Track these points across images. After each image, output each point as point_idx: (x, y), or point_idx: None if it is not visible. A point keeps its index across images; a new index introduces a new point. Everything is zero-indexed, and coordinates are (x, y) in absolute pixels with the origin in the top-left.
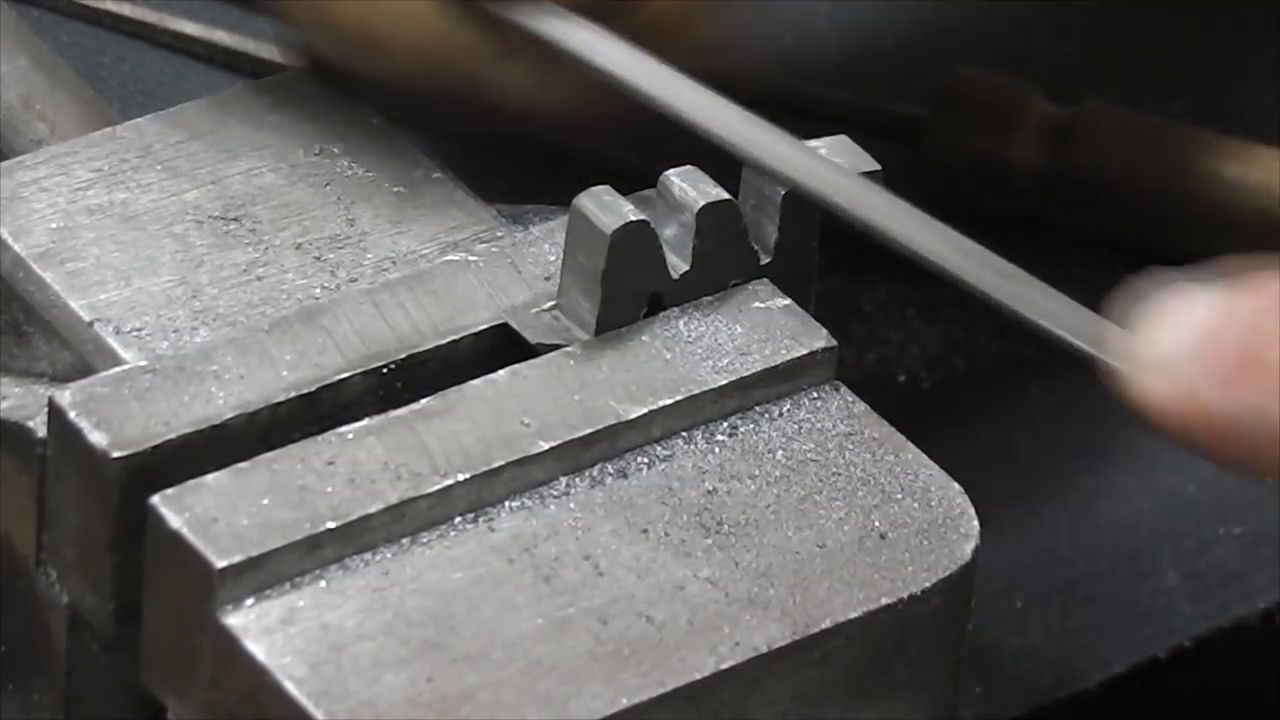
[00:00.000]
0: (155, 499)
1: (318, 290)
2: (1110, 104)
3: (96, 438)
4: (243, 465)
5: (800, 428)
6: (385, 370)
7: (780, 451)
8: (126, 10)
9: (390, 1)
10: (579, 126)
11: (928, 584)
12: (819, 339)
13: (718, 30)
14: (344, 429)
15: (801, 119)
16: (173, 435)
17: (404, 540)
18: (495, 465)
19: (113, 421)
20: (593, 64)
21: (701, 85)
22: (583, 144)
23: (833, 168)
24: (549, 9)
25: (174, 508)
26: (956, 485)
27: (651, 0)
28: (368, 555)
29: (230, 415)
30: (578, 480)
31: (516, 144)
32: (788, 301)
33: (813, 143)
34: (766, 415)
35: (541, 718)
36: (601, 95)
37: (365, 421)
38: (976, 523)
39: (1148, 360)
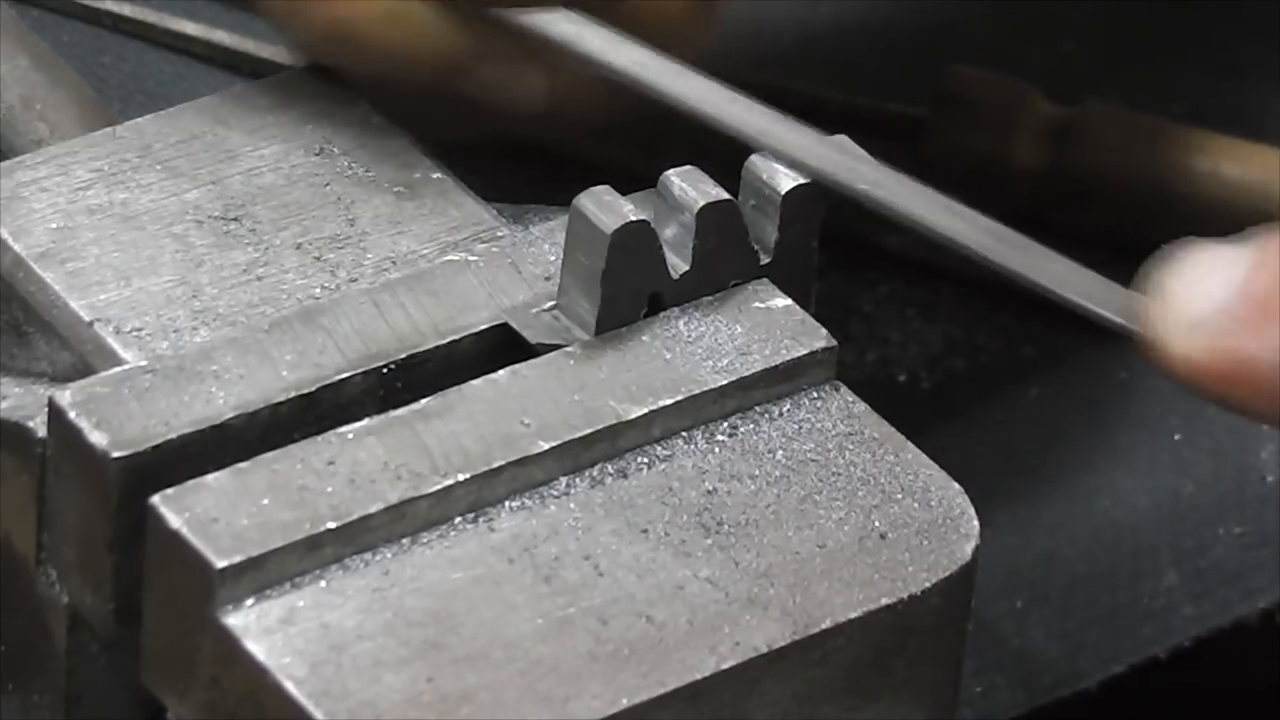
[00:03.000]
0: (155, 499)
1: (318, 290)
2: (1110, 104)
3: (96, 438)
4: (243, 465)
5: (800, 428)
6: (385, 370)
7: (780, 451)
8: (126, 10)
9: (374, 1)
10: (572, 125)
11: (928, 584)
12: (819, 339)
13: (718, 30)
14: (344, 429)
15: (801, 119)
16: (173, 435)
17: (404, 540)
18: (495, 465)
19: (113, 421)
20: (601, 62)
21: (707, 75)
22: (576, 143)
23: (845, 153)
24: (553, 10)
25: (174, 508)
26: (956, 485)
27: (659, 1)
28: (368, 555)
29: (230, 415)
30: (578, 480)
31: (513, 144)
32: (788, 301)
33: None
34: (766, 415)
35: (541, 718)
36: (594, 93)
37: (365, 421)
38: (976, 523)
39: (1180, 320)
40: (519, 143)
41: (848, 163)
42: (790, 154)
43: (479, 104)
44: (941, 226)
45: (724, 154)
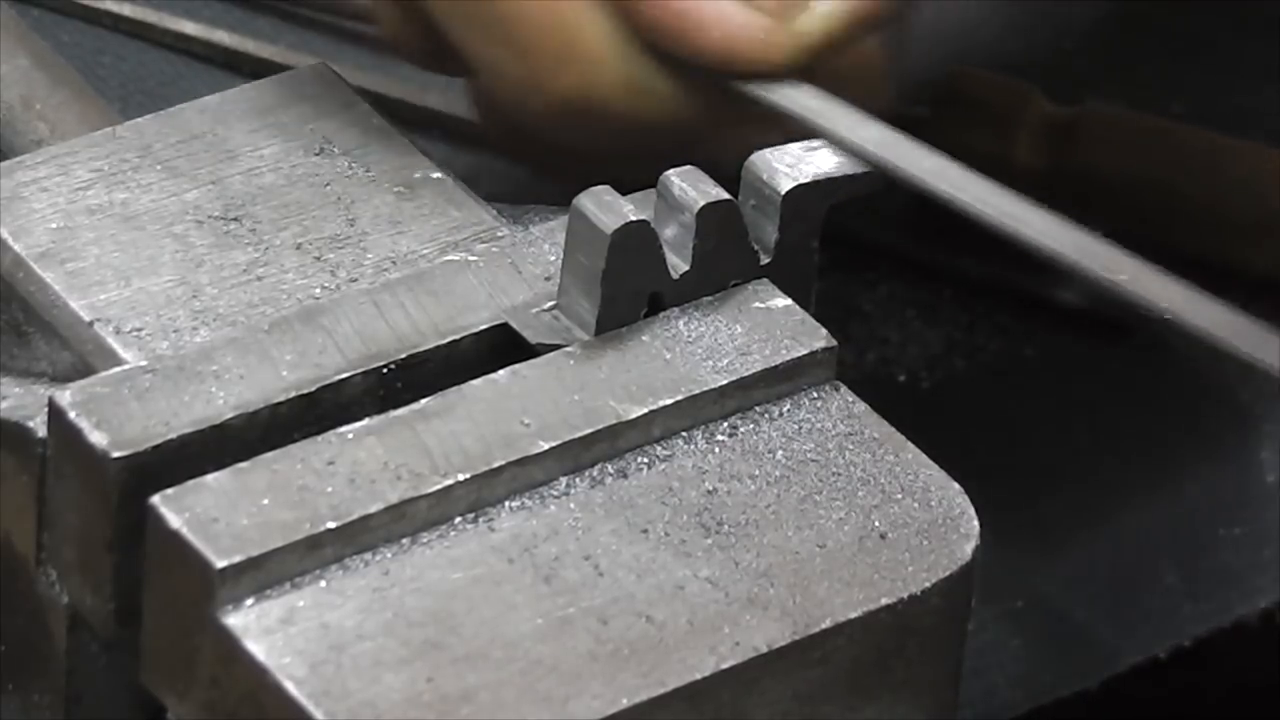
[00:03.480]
0: (155, 499)
1: (318, 290)
2: (1110, 104)
3: (96, 438)
4: (243, 465)
5: (800, 428)
6: (385, 370)
7: (780, 451)
8: (126, 10)
9: (617, 70)
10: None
11: (928, 584)
12: (819, 339)
13: (904, 79)
14: (344, 429)
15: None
16: (173, 435)
17: (404, 540)
18: (495, 465)
19: (113, 421)
20: (841, 138)
21: (946, 156)
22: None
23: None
24: (792, 83)
25: (174, 508)
26: (956, 485)
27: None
28: (368, 555)
29: (230, 415)
30: (578, 480)
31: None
32: (788, 301)
33: (815, 142)
34: (766, 415)
35: (541, 718)
36: None
37: (365, 421)
38: (976, 523)
39: None
40: None
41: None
42: (1049, 248)
43: (719, 169)
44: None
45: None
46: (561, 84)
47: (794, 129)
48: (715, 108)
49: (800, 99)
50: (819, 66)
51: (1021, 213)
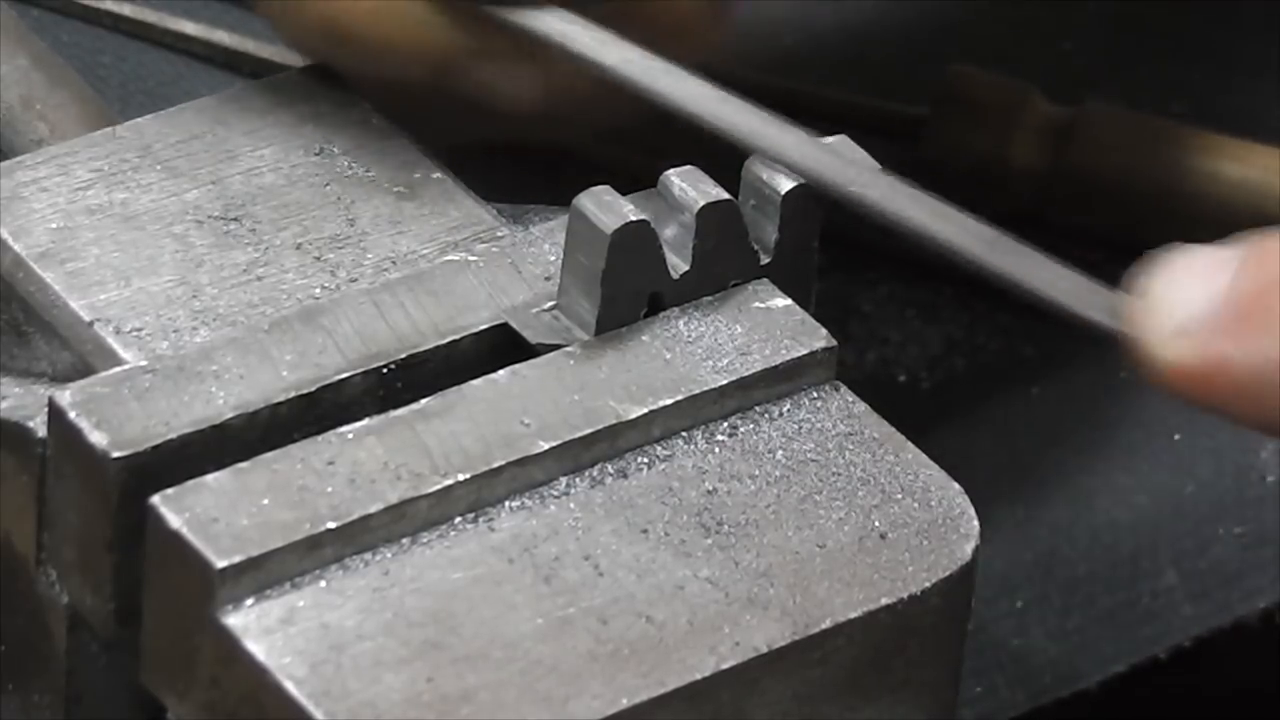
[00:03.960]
0: (155, 499)
1: (318, 290)
2: (1110, 104)
3: (96, 438)
4: (243, 465)
5: (800, 428)
6: (385, 370)
7: (780, 451)
8: (126, 10)
9: (375, 1)
10: (561, 124)
11: (928, 584)
12: (819, 339)
13: (732, 30)
14: (344, 429)
15: (802, 119)
16: (173, 435)
17: (404, 540)
18: (495, 465)
19: (113, 421)
20: (593, 61)
21: (710, 81)
22: (571, 142)
23: (840, 157)
24: (543, 8)
25: (174, 508)
26: (956, 485)
27: (677, 1)
28: (368, 555)
29: (230, 415)
30: (578, 480)
31: (514, 145)
32: (788, 301)
33: None
34: (766, 415)
35: (541, 718)
36: (587, 93)
37: (365, 421)
38: (976, 523)
39: (1165, 324)
40: (520, 144)
41: (838, 165)
42: (782, 156)
43: (477, 103)
44: (934, 232)
45: (725, 154)
46: (314, 11)
47: (551, 56)
48: (468, 35)
49: (549, 21)
50: (628, 16)
51: (756, 122)
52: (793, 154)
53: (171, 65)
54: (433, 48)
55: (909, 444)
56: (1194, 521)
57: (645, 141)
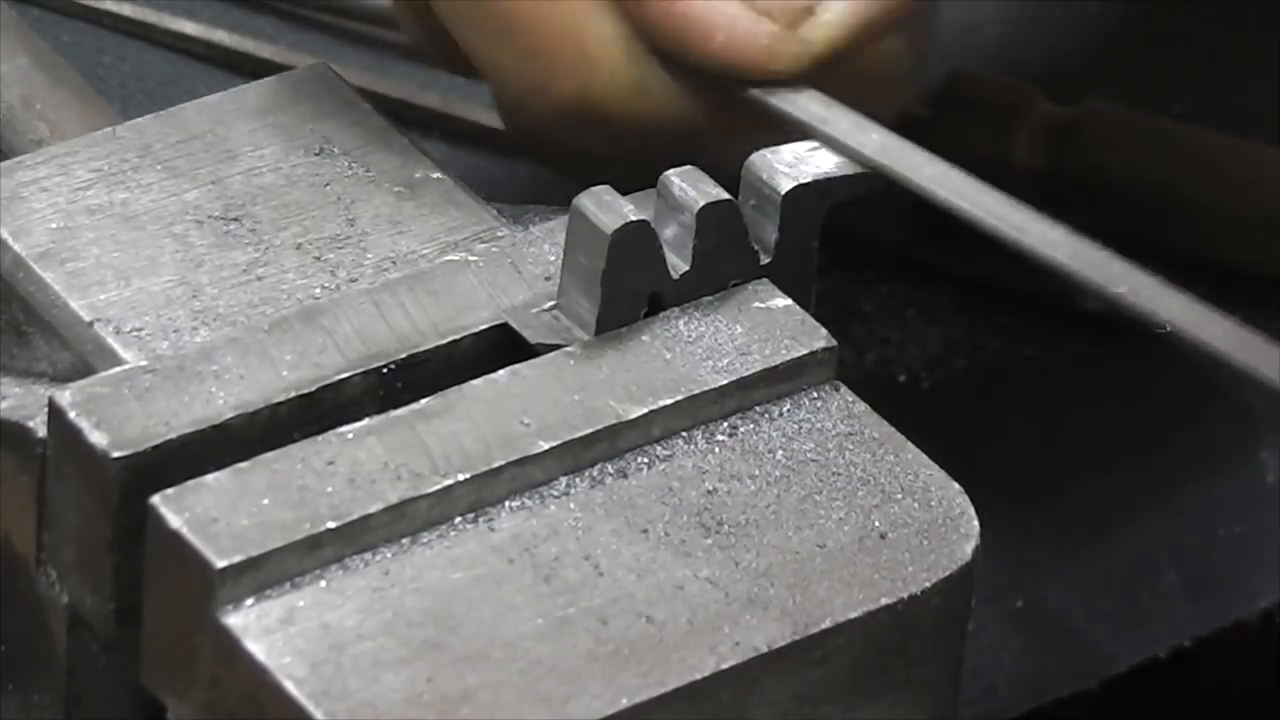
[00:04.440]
0: (155, 499)
1: (318, 290)
2: (1110, 104)
3: (96, 438)
4: (243, 465)
5: (800, 428)
6: (385, 370)
7: (780, 451)
8: (126, 10)
9: (619, 73)
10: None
11: (928, 584)
12: (819, 339)
13: (926, 76)
14: (344, 429)
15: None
16: (173, 435)
17: (404, 540)
18: (495, 465)
19: (113, 421)
20: (846, 145)
21: (952, 165)
22: None
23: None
24: (803, 90)
25: (174, 508)
26: (956, 485)
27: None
28: (368, 555)
29: (230, 415)
30: (578, 480)
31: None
32: (788, 301)
33: (814, 143)
34: (766, 415)
35: (541, 718)
36: None
37: (365, 421)
38: (976, 523)
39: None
40: None
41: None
42: (1043, 257)
43: (724, 173)
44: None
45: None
46: (563, 86)
47: (798, 135)
48: (719, 112)
49: (805, 105)
50: (836, 69)
51: (1022, 220)
52: (1062, 255)
53: (171, 65)
54: (680, 123)
55: (909, 444)
56: (1194, 521)
57: None
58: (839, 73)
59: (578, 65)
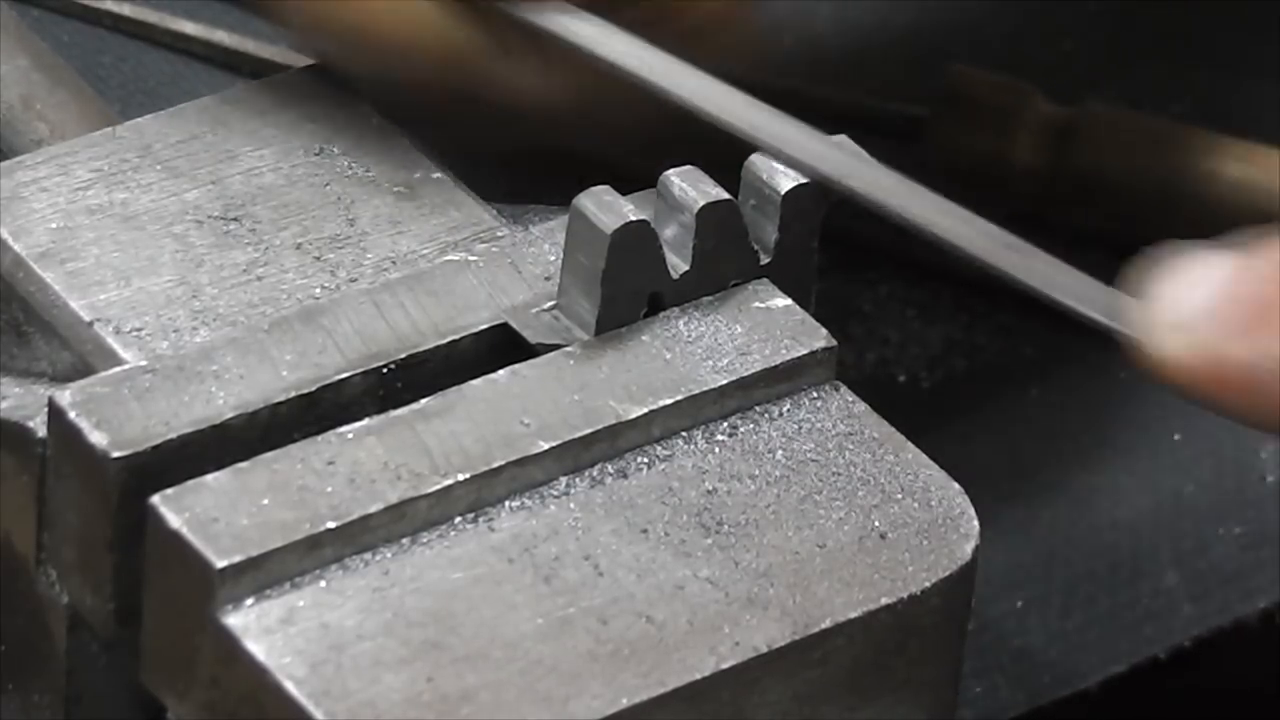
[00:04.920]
0: (155, 499)
1: (318, 290)
2: (1110, 104)
3: (96, 438)
4: (243, 465)
5: (800, 428)
6: (385, 370)
7: (780, 451)
8: (126, 10)
9: (388, 0)
10: (583, 127)
11: (928, 584)
12: (819, 339)
13: (756, 29)
14: (344, 429)
15: (802, 119)
16: (173, 435)
17: (404, 540)
18: (495, 465)
19: (113, 421)
20: (605, 59)
21: (715, 77)
22: (586, 145)
23: (845, 153)
24: (557, 6)
25: (174, 508)
26: (956, 485)
27: (697, 2)
28: (368, 555)
29: (230, 415)
30: (578, 480)
31: (546, 154)
32: (788, 301)
33: None
34: (766, 415)
35: (541, 718)
36: (608, 94)
37: (365, 421)
38: (976, 523)
39: (1166, 321)
40: (550, 152)
41: (847, 162)
42: (790, 153)
43: (496, 105)
44: (938, 228)
45: (727, 154)
46: (322, 11)
47: (570, 58)
48: (482, 34)
49: (566, 21)
50: (665, 17)
51: (784, 129)
52: (800, 150)
53: (171, 65)
54: (448, 47)
55: (909, 444)
56: (1194, 521)
57: (652, 143)
58: (655, 24)
59: None
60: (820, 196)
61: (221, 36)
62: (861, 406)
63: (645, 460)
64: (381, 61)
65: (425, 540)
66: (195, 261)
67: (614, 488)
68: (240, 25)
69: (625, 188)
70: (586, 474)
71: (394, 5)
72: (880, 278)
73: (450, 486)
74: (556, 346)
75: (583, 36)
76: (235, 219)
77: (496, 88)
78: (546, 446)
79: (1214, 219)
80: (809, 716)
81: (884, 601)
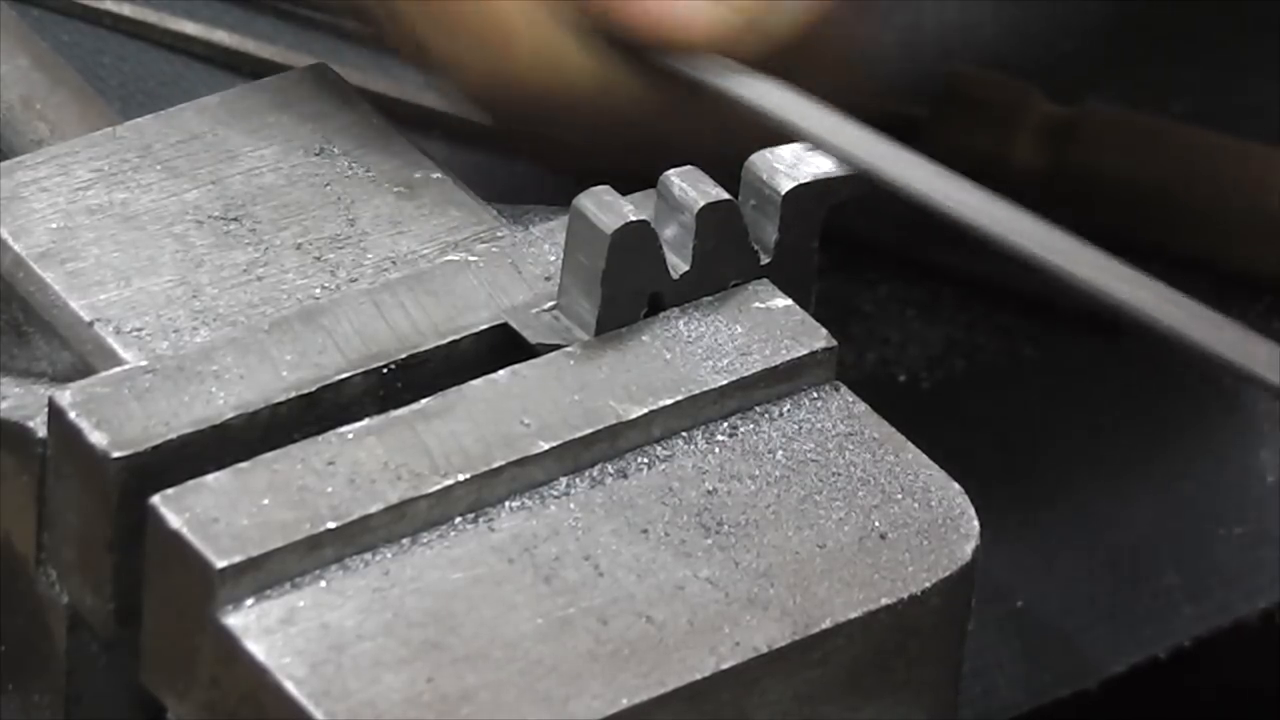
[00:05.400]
0: (155, 499)
1: (318, 290)
2: (1110, 104)
3: (96, 438)
4: (243, 465)
5: (800, 428)
6: (385, 370)
7: (780, 451)
8: (126, 10)
9: (557, 57)
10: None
11: (928, 584)
12: (819, 339)
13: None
14: (344, 429)
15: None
16: (173, 435)
17: (404, 540)
18: (495, 465)
19: (113, 421)
20: (769, 114)
21: (875, 131)
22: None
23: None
24: (719, 62)
25: (174, 508)
26: (956, 485)
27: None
28: (368, 555)
29: (230, 415)
30: (578, 480)
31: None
32: (788, 301)
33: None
34: (766, 415)
35: (541, 718)
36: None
37: (365, 421)
38: (976, 523)
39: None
40: None
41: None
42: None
43: (677, 157)
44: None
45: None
46: (506, 76)
47: (757, 123)
48: (669, 95)
49: (762, 91)
50: (784, 57)
51: (1002, 214)
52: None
53: (171, 65)
54: (607, 102)
55: (909, 444)
56: (1194, 521)
57: None
58: (788, 61)
59: (516, 47)
60: (820, 197)
61: (221, 36)
62: (861, 407)
63: (645, 460)
64: (549, 119)
65: (425, 540)
66: (195, 261)
67: (614, 488)
68: (240, 25)
69: (625, 188)
70: (586, 474)
71: (560, 61)
72: (880, 278)
73: (450, 487)
74: (557, 346)
75: (749, 93)
76: (235, 219)
77: (665, 142)
78: (547, 446)
79: (1214, 219)
80: (809, 716)
81: (884, 602)
